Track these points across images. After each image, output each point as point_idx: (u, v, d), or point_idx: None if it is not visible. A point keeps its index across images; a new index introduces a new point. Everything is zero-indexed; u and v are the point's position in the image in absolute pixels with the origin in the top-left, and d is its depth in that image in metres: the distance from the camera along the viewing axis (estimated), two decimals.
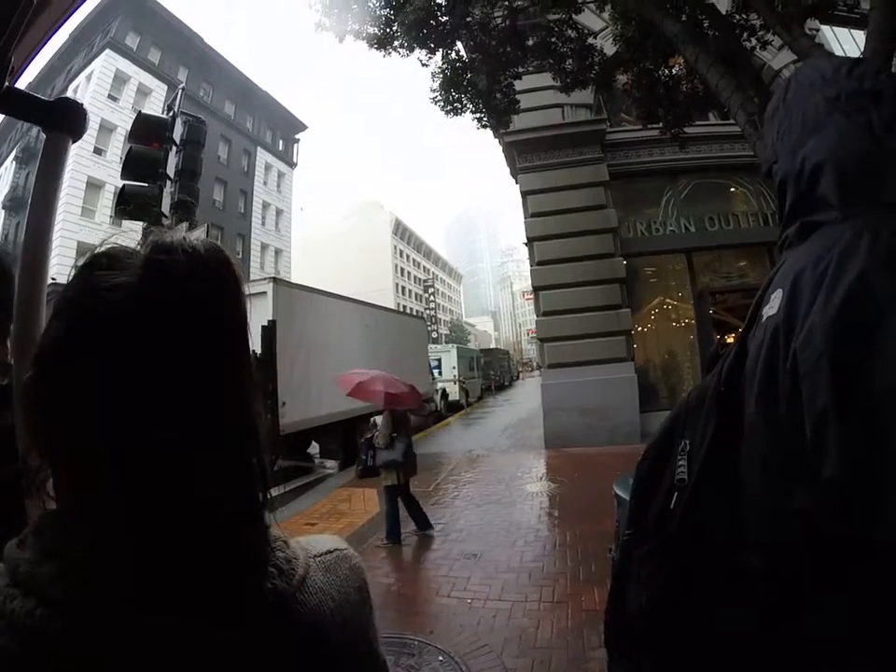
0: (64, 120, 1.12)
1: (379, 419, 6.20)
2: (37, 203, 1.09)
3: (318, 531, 6.52)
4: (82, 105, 1.16)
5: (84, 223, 25.76)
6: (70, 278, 0.52)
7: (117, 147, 26.54)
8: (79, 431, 0.48)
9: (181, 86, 6.65)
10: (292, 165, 43.48)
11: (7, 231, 27.91)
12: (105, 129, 27.56)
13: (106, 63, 28.30)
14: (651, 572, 0.81)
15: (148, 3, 29.56)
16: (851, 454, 0.57)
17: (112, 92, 28.52)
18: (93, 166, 26.50)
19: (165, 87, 29.60)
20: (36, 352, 0.51)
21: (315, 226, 69.67)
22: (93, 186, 26.64)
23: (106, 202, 25.86)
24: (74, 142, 1.15)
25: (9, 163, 30.19)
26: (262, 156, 39.38)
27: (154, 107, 27.35)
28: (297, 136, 44.34)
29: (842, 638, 0.61)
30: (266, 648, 0.49)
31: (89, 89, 27.81)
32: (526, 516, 6.55)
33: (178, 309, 0.50)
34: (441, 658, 3.43)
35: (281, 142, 42.37)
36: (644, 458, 0.92)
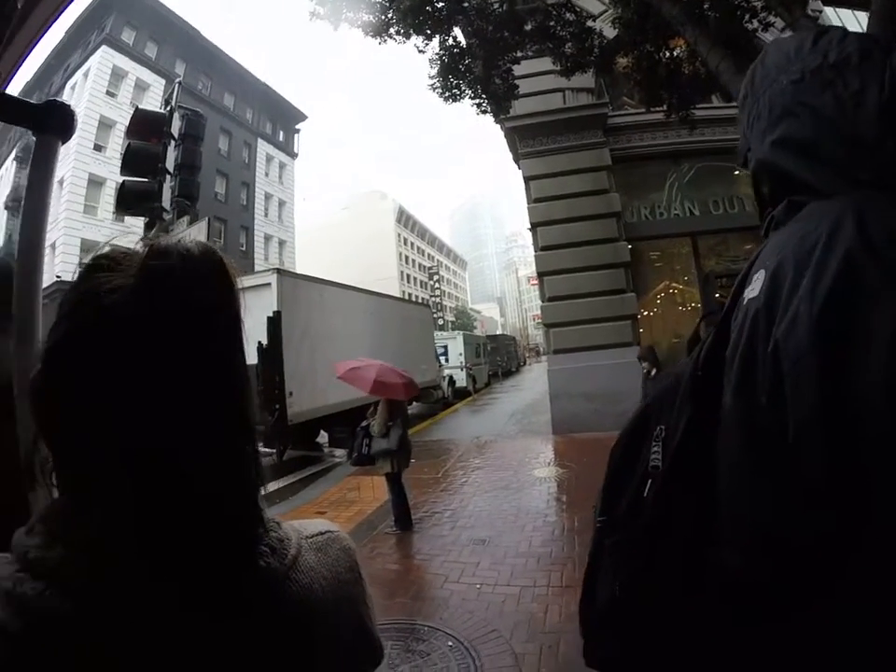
0: (53, 123, 1.13)
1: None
2: (31, 204, 1.11)
3: (328, 519, 6.55)
4: (70, 106, 1.16)
5: (87, 220, 25.98)
6: (74, 279, 0.54)
7: (116, 143, 26.61)
8: (80, 428, 0.49)
9: (178, 80, 6.64)
10: (293, 156, 43.37)
11: (11, 232, 28.04)
12: (104, 125, 27.63)
13: (103, 60, 28.29)
14: (621, 562, 0.79)
15: None
16: (838, 458, 0.53)
17: (110, 88, 28.55)
18: (94, 163, 26.60)
19: (163, 81, 29.64)
20: (44, 349, 0.52)
21: (318, 216, 69.66)
22: (94, 183, 26.75)
23: (108, 198, 25.95)
24: (63, 143, 1.16)
25: (10, 163, 30.30)
26: (263, 147, 39.33)
27: (153, 102, 27.40)
28: (297, 127, 44.21)
29: (819, 643, 0.59)
30: (260, 625, 0.51)
31: (86, 86, 27.90)
32: (535, 501, 6.58)
33: (173, 312, 0.51)
34: (450, 643, 3.46)
35: (281, 133, 42.26)
36: (618, 444, 0.89)
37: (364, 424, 6.10)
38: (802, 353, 0.57)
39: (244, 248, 35.42)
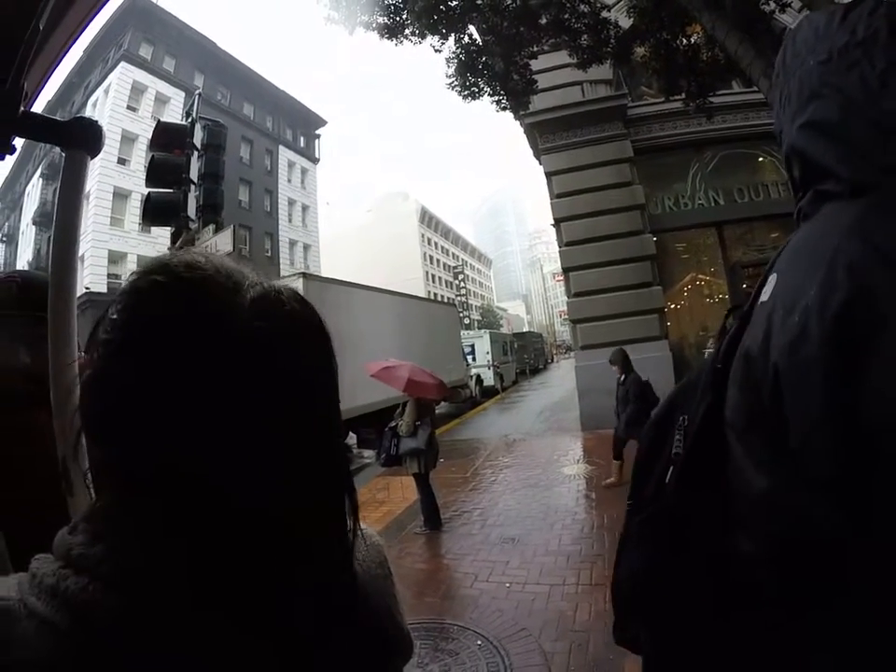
0: (81, 138, 1.17)
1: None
2: (62, 217, 1.14)
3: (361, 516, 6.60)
4: (97, 122, 1.20)
5: (114, 232, 26.69)
6: (172, 288, 0.51)
7: (140, 157, 27.20)
8: (140, 437, 0.48)
9: (197, 92, 6.71)
10: (315, 161, 43.73)
11: (39, 246, 28.92)
12: (127, 139, 28.30)
13: (122, 76, 28.93)
14: (643, 542, 0.82)
15: (158, 13, 29.93)
16: (844, 464, 0.54)
17: (131, 103, 29.19)
18: (118, 176, 27.25)
19: (182, 94, 30.21)
20: (122, 355, 0.50)
21: (342, 220, 70.07)
22: (120, 196, 27.41)
23: (134, 210, 26.59)
24: (92, 158, 1.19)
25: (36, 180, 31.23)
26: (284, 154, 39.77)
27: (173, 115, 28.04)
28: (317, 132, 44.56)
29: (831, 642, 0.59)
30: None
31: (107, 102, 28.59)
32: (563, 499, 6.55)
33: (278, 375, 0.51)
34: (479, 642, 3.46)
35: (302, 138, 42.67)
36: (647, 432, 0.92)
37: (392, 424, 6.14)
38: (809, 364, 0.57)
39: (269, 254, 35.90)
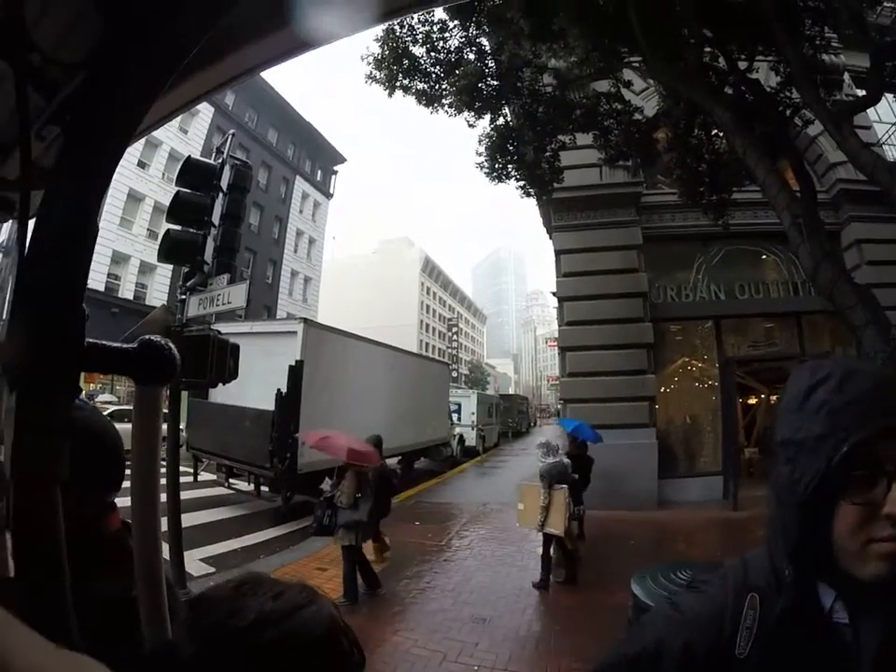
0: (151, 370, 0.92)
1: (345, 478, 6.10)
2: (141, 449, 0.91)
3: (329, 577, 6.53)
4: (168, 346, 0.93)
5: (121, 233, 26.46)
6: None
7: (160, 163, 27.84)
8: None
9: (231, 131, 6.67)
10: (328, 196, 44.35)
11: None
12: (151, 144, 28.30)
13: None
14: None
15: None
16: None
17: None
18: (136, 179, 27.25)
19: (213, 109, 30.68)
20: None
21: (345, 255, 70.58)
22: (134, 198, 27.38)
23: (145, 214, 26.88)
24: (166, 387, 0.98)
25: None
26: (300, 184, 40.37)
27: (199, 128, 29.06)
28: (335, 168, 45.37)
29: None
30: None
31: None
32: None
33: None
34: None
35: (319, 172, 43.35)
36: None
37: (328, 495, 6.11)
38: None
39: (269, 281, 36.09)
